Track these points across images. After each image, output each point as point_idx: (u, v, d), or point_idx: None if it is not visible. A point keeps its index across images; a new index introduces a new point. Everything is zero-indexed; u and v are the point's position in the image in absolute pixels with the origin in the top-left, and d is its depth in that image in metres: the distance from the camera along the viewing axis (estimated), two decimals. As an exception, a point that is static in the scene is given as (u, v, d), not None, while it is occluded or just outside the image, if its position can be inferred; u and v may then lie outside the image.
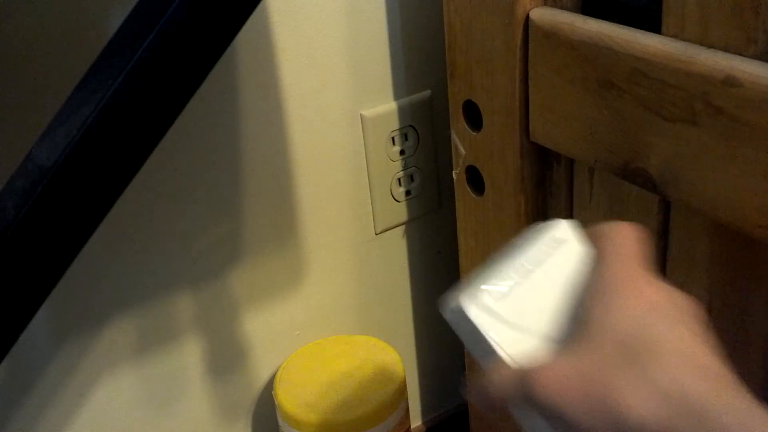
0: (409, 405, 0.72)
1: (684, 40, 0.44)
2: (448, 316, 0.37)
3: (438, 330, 0.84)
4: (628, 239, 0.36)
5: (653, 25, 0.45)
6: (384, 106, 0.70)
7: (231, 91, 0.63)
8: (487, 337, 0.36)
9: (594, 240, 0.37)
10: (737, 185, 0.42)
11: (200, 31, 0.37)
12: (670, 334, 0.31)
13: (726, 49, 0.42)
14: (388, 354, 0.71)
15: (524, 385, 0.33)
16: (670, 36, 0.44)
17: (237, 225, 0.68)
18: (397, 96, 0.71)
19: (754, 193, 0.41)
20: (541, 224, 0.39)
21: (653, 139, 0.46)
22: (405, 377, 0.69)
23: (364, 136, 0.70)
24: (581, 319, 0.34)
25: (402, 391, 0.68)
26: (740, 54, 0.41)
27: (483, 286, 0.36)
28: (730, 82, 0.40)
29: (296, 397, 0.67)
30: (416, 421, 0.87)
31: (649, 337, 0.31)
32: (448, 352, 0.85)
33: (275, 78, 0.64)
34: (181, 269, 0.66)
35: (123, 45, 0.36)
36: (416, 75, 0.71)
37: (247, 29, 0.62)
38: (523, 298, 0.36)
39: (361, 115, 0.70)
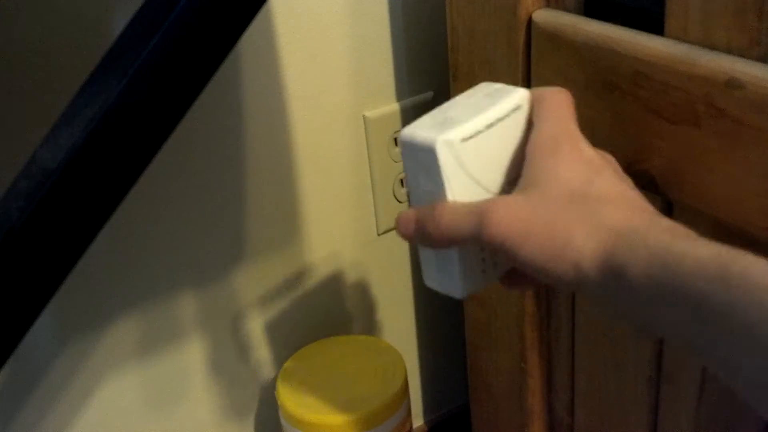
0: (411, 405, 0.72)
1: (687, 42, 0.44)
2: (408, 144, 0.40)
3: (440, 330, 0.84)
4: (562, 102, 0.41)
5: (656, 27, 0.46)
6: (386, 108, 0.70)
7: (234, 93, 0.63)
8: (445, 177, 0.39)
9: (536, 103, 0.41)
10: (740, 187, 0.42)
11: (204, 33, 0.37)
12: (608, 184, 0.37)
13: (729, 51, 0.42)
14: (390, 354, 0.71)
15: (481, 223, 0.36)
16: (673, 38, 0.44)
17: (239, 225, 0.68)
18: (399, 97, 0.71)
19: (757, 195, 0.41)
20: (500, 85, 0.43)
21: (656, 141, 0.46)
22: (407, 377, 0.69)
23: (366, 137, 0.70)
24: (531, 174, 0.38)
25: (404, 391, 0.68)
26: (743, 56, 0.41)
27: (454, 131, 0.39)
28: (732, 84, 0.40)
29: (298, 398, 0.67)
30: (418, 421, 0.87)
31: (594, 188, 0.36)
32: (450, 352, 0.85)
33: (278, 79, 0.64)
34: (184, 269, 0.66)
35: (127, 47, 0.36)
36: (419, 76, 0.71)
37: (250, 31, 0.62)
38: (481, 152, 0.40)
39: (363, 116, 0.70)
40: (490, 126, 0.40)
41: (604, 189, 0.37)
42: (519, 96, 0.42)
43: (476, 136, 0.40)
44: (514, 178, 0.41)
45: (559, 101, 0.41)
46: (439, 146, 0.39)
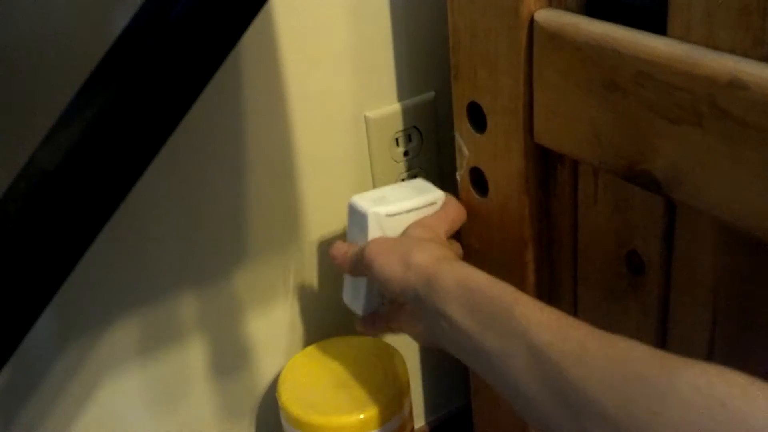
0: (413, 406, 0.72)
1: (690, 41, 0.43)
2: (352, 208, 0.62)
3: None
4: (449, 211, 0.62)
5: (659, 27, 0.45)
6: (388, 108, 0.70)
7: (235, 93, 0.63)
8: (370, 236, 0.60)
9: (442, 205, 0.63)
10: (743, 188, 0.42)
11: (204, 34, 0.37)
12: (441, 242, 0.58)
13: (732, 51, 0.41)
14: (391, 355, 0.71)
15: (362, 250, 0.56)
16: (676, 38, 0.44)
17: (240, 226, 0.68)
18: (401, 97, 0.71)
19: (760, 196, 0.41)
20: (430, 185, 0.65)
21: (658, 142, 0.45)
22: (408, 378, 0.69)
23: (368, 138, 0.70)
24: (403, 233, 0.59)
25: (405, 392, 0.68)
26: (746, 56, 0.41)
27: (382, 208, 0.60)
28: (735, 84, 0.40)
29: (299, 399, 0.67)
30: (419, 422, 0.87)
31: (432, 240, 0.57)
32: (452, 353, 0.85)
33: (279, 80, 0.64)
34: (184, 270, 0.66)
35: (126, 47, 0.36)
36: (420, 76, 0.71)
37: (251, 31, 0.62)
38: (398, 225, 0.61)
39: (365, 116, 0.69)
40: (409, 211, 0.61)
41: (438, 242, 0.57)
42: (437, 196, 0.63)
43: (396, 215, 0.61)
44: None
45: (448, 210, 0.62)
46: (370, 215, 0.60)
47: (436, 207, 0.63)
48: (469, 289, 0.47)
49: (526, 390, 0.41)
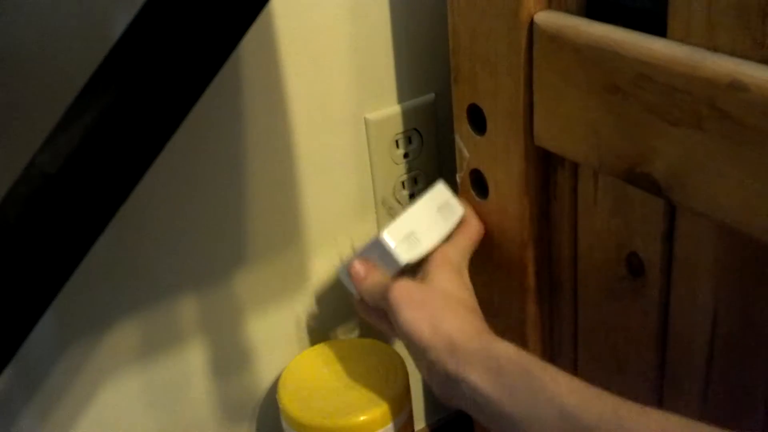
0: (413, 408, 0.72)
1: (690, 44, 0.43)
2: (384, 246, 0.59)
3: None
4: (469, 233, 0.62)
5: (659, 29, 0.45)
6: (388, 110, 0.70)
7: (235, 95, 0.63)
8: (394, 259, 0.58)
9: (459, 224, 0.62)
10: (744, 190, 0.42)
11: (205, 36, 0.37)
12: (459, 306, 0.54)
13: (732, 54, 0.41)
14: (391, 357, 0.71)
15: (386, 288, 0.55)
16: (676, 40, 0.44)
17: (240, 228, 0.68)
18: (401, 99, 0.71)
19: (761, 198, 0.41)
20: (449, 196, 0.63)
21: (658, 144, 0.45)
22: (408, 380, 0.69)
23: (368, 140, 0.70)
24: (426, 273, 0.57)
25: (406, 393, 0.68)
26: (746, 58, 0.41)
27: (412, 253, 0.59)
28: (736, 86, 0.40)
29: (300, 401, 0.67)
30: (420, 423, 0.87)
31: (452, 302, 0.54)
32: (452, 355, 0.85)
33: (279, 82, 0.64)
34: (184, 272, 0.66)
35: (126, 50, 0.36)
36: (420, 78, 0.71)
37: (251, 34, 0.62)
38: (412, 249, 0.59)
39: (365, 118, 0.69)
40: (439, 243, 0.60)
41: (466, 301, 0.56)
42: (460, 214, 0.62)
43: (411, 243, 0.59)
44: (422, 272, 0.59)
45: (469, 232, 0.62)
46: (403, 264, 0.58)
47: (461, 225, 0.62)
48: (495, 356, 0.47)
49: None
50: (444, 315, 0.52)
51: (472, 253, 0.61)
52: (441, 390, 0.52)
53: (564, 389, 0.43)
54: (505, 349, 0.48)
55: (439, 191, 0.63)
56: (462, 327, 0.51)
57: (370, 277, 0.59)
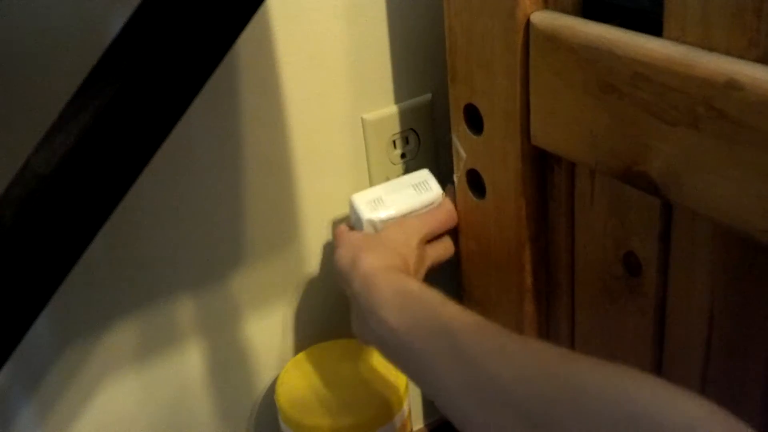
0: (411, 407, 0.72)
1: (685, 43, 0.43)
2: (353, 207, 0.65)
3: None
4: (441, 214, 0.65)
5: (654, 29, 0.45)
6: (385, 110, 0.70)
7: (232, 95, 0.63)
8: (359, 216, 0.64)
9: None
10: (740, 189, 0.42)
11: (200, 36, 0.37)
12: (380, 246, 0.59)
13: (728, 53, 0.41)
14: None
15: (335, 233, 0.64)
16: (672, 39, 0.44)
17: (237, 229, 0.67)
18: (398, 99, 0.71)
19: (757, 197, 0.41)
20: (431, 181, 0.67)
21: (655, 143, 0.45)
22: (407, 380, 0.69)
23: (365, 140, 0.70)
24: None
25: (404, 393, 0.68)
26: (742, 57, 0.41)
27: (377, 213, 0.64)
28: (731, 85, 0.40)
29: (298, 401, 0.67)
30: (418, 423, 0.87)
31: (376, 243, 0.60)
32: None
33: (276, 82, 0.64)
34: (182, 273, 0.66)
35: (121, 50, 0.36)
36: (417, 78, 0.71)
37: (248, 34, 0.62)
38: (386, 223, 0.64)
39: (362, 118, 0.69)
40: (405, 214, 0.64)
41: (400, 249, 0.60)
42: (434, 196, 0.66)
43: (391, 219, 0.64)
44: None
45: (438, 213, 0.65)
46: (365, 222, 0.64)
47: (434, 206, 0.65)
48: (401, 293, 0.51)
49: (448, 385, 0.44)
50: (364, 253, 0.57)
51: (433, 234, 0.64)
52: (358, 327, 0.56)
53: (458, 324, 0.46)
54: (411, 284, 0.52)
55: (421, 173, 0.68)
56: (375, 263, 0.56)
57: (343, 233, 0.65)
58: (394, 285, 0.53)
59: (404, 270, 0.58)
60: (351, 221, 0.67)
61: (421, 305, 0.50)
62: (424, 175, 0.67)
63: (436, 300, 0.50)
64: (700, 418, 0.35)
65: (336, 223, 0.71)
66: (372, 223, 0.64)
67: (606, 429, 0.36)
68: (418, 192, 0.66)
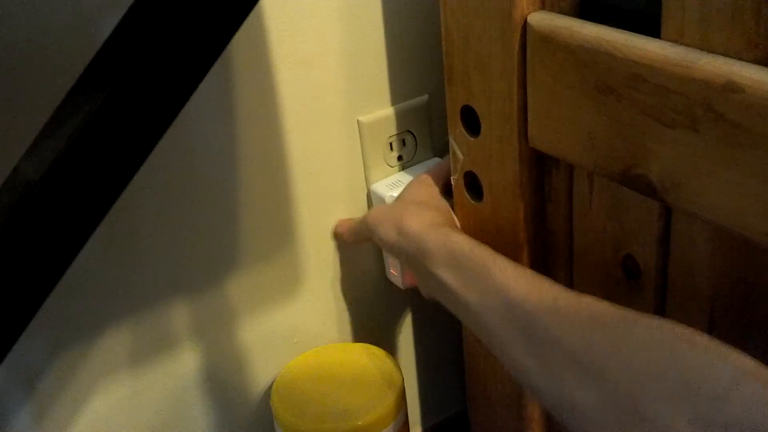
0: (409, 412, 0.72)
1: (684, 44, 0.43)
2: (375, 197, 0.71)
3: (437, 337, 0.84)
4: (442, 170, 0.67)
5: (652, 30, 0.45)
6: (381, 112, 0.70)
7: (227, 98, 0.62)
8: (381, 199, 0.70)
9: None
10: (739, 192, 0.41)
11: (191, 39, 0.36)
12: (421, 209, 0.61)
13: (726, 54, 0.41)
14: (386, 361, 0.70)
15: (364, 219, 0.63)
16: (670, 41, 0.44)
17: (234, 232, 0.67)
18: (394, 101, 0.70)
19: (757, 200, 0.40)
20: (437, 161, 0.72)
21: (653, 145, 0.45)
22: (404, 384, 0.69)
23: (361, 142, 0.70)
24: (400, 195, 0.67)
25: (401, 398, 0.68)
26: (741, 59, 0.40)
27: (395, 191, 0.70)
28: (730, 87, 0.40)
29: (294, 406, 0.66)
30: (416, 428, 0.86)
31: (410, 206, 0.62)
32: (447, 358, 0.85)
33: (271, 84, 0.64)
34: (177, 277, 0.66)
35: (112, 55, 0.35)
36: (414, 80, 0.70)
37: (243, 35, 0.62)
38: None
39: (358, 120, 0.69)
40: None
41: (430, 204, 0.63)
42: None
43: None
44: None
45: (445, 164, 0.66)
46: (387, 200, 0.69)
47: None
48: (452, 251, 0.53)
49: (502, 338, 0.47)
50: (405, 218, 0.58)
51: (447, 183, 0.66)
52: (422, 287, 0.59)
53: (510, 279, 0.48)
54: (461, 242, 0.54)
55: (432, 161, 0.73)
56: (418, 224, 0.57)
57: (351, 223, 0.69)
58: (444, 243, 0.54)
59: (446, 221, 0.60)
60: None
61: (472, 263, 0.51)
62: (436, 161, 0.72)
63: (486, 256, 0.51)
64: (748, 370, 0.37)
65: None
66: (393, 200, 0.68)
67: (658, 380, 0.38)
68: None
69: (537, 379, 0.45)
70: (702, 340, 0.39)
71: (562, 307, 0.44)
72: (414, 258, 0.56)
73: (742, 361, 0.37)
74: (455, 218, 0.64)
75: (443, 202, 0.64)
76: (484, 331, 0.49)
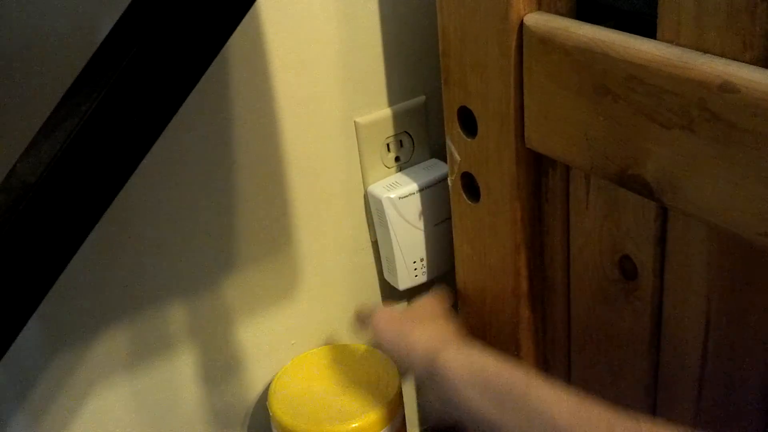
0: (406, 413, 0.72)
1: (680, 45, 0.43)
2: (370, 196, 0.70)
3: (435, 337, 0.84)
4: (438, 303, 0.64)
5: (648, 31, 0.45)
6: (378, 113, 0.70)
7: (224, 99, 0.62)
8: (389, 221, 0.69)
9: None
10: (735, 192, 0.41)
11: (187, 41, 0.36)
12: (435, 326, 0.59)
13: (722, 55, 0.41)
14: (383, 363, 0.70)
15: (371, 322, 0.60)
16: (666, 41, 0.44)
17: (231, 233, 0.67)
18: (391, 102, 0.70)
19: (753, 200, 0.41)
20: (442, 165, 0.71)
21: (649, 146, 0.45)
22: (400, 386, 0.68)
23: (358, 143, 0.70)
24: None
25: (398, 400, 0.68)
26: (736, 59, 0.40)
27: (395, 191, 0.69)
28: (726, 87, 0.40)
29: (291, 408, 0.66)
30: (413, 429, 0.86)
31: (425, 318, 0.60)
32: (446, 359, 0.85)
33: (268, 85, 0.64)
34: (174, 278, 0.66)
35: (108, 57, 0.35)
36: (410, 81, 0.70)
37: (240, 37, 0.62)
38: (413, 204, 0.70)
39: (355, 122, 0.69)
40: (420, 190, 0.69)
41: (439, 320, 0.61)
42: (446, 172, 0.65)
43: (408, 196, 0.68)
44: (440, 220, 0.71)
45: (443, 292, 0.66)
46: (384, 199, 0.68)
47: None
48: (477, 372, 0.49)
49: None
50: (417, 332, 0.55)
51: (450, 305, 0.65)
52: (435, 406, 0.53)
53: (554, 407, 0.44)
54: (487, 362, 0.49)
55: (430, 161, 0.73)
56: (432, 341, 0.53)
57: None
58: (468, 363, 0.50)
59: (457, 336, 0.56)
60: (374, 220, 0.71)
61: (504, 385, 0.47)
62: (433, 161, 0.72)
63: (519, 378, 0.47)
64: None
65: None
66: (391, 201, 0.68)
67: None
68: (429, 171, 0.70)
69: None
70: None
71: None
72: (432, 376, 0.52)
73: None
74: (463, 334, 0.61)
75: (452, 317, 0.62)
76: None
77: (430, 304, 0.62)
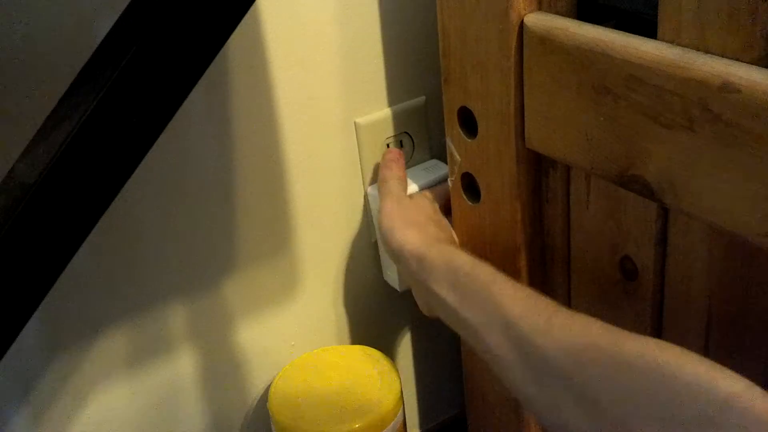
0: (407, 414, 0.72)
1: (680, 45, 0.43)
2: (372, 199, 0.71)
3: (435, 338, 0.84)
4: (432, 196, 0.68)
5: (649, 31, 0.45)
6: (378, 113, 0.69)
7: (223, 100, 0.62)
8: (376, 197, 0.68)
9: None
10: (736, 192, 0.41)
11: (186, 43, 0.36)
12: (427, 228, 0.61)
13: (723, 55, 0.41)
14: (384, 364, 0.70)
15: (379, 215, 0.63)
16: (667, 41, 0.44)
17: (230, 235, 0.67)
18: (391, 102, 0.70)
19: (754, 201, 0.40)
20: (443, 165, 0.71)
21: (650, 146, 0.45)
22: (401, 387, 0.68)
23: (358, 144, 0.70)
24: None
25: (398, 401, 0.68)
26: (737, 60, 0.40)
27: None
28: (727, 88, 0.39)
29: (291, 409, 0.66)
30: (413, 430, 0.86)
31: (419, 219, 0.62)
32: (445, 360, 0.85)
33: (268, 86, 0.64)
34: (174, 280, 0.65)
35: (106, 58, 0.35)
36: (410, 81, 0.70)
37: (239, 36, 0.62)
38: None
39: (355, 122, 0.69)
40: (421, 189, 0.68)
41: (434, 220, 0.64)
42: (446, 174, 0.65)
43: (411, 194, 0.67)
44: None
45: (444, 186, 0.67)
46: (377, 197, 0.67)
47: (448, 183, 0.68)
48: (452, 269, 0.53)
49: (501, 357, 0.48)
50: (408, 231, 0.59)
51: (447, 204, 0.67)
52: (421, 302, 0.60)
53: (509, 299, 0.49)
54: (462, 259, 0.54)
55: (430, 162, 0.73)
56: (418, 239, 0.58)
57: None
58: (445, 260, 0.54)
59: (447, 237, 0.61)
60: (371, 214, 0.71)
61: (472, 282, 0.52)
62: (433, 162, 0.72)
63: (486, 275, 0.52)
64: (737, 394, 0.37)
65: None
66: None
67: (648, 404, 0.39)
68: (429, 173, 0.70)
69: (534, 400, 0.46)
70: (692, 362, 0.39)
71: (556, 328, 0.45)
72: (415, 271, 0.56)
73: (731, 384, 0.38)
74: (455, 236, 0.64)
75: (444, 220, 0.65)
76: (483, 348, 0.50)
77: (423, 208, 0.64)
